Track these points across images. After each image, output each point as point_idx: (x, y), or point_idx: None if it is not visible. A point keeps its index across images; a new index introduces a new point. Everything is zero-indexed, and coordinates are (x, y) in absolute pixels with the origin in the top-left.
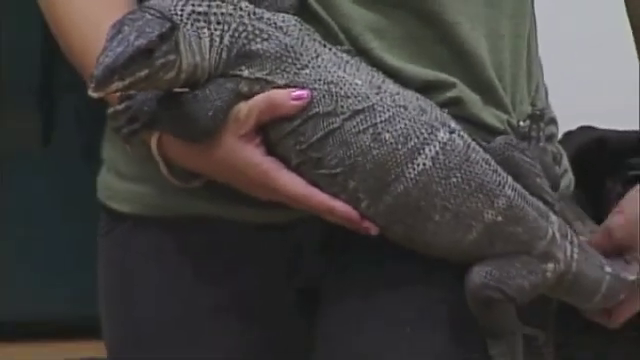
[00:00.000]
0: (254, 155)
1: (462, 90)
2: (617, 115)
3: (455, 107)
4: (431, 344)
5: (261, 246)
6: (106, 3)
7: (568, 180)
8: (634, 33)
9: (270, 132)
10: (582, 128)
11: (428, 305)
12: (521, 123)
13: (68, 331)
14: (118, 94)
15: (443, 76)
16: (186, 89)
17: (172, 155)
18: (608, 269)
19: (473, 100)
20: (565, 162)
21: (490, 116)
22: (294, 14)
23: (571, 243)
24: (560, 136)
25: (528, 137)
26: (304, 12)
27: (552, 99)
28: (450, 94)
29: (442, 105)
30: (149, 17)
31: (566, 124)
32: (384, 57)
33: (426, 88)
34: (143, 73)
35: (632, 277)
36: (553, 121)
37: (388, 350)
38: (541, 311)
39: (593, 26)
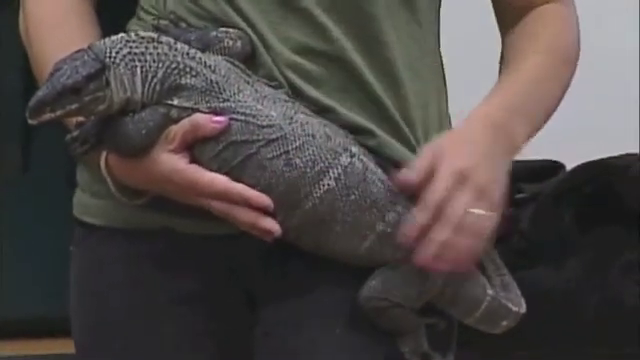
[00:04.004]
0: (178, 163)
1: (380, 137)
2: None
3: (375, 151)
4: (358, 341)
5: (206, 253)
6: (69, 48)
7: None
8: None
9: (197, 156)
10: None
11: (355, 307)
12: None
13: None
14: (74, 122)
15: (364, 123)
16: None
17: (116, 172)
18: (490, 292)
19: (390, 144)
20: None
21: (405, 155)
22: (244, 60)
23: None
24: None
25: None
26: (255, 58)
27: None
28: (370, 142)
29: (364, 147)
30: (86, 58)
31: None
32: (319, 98)
33: (351, 130)
34: (73, 106)
35: (515, 308)
36: None
37: (321, 346)
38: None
39: None
